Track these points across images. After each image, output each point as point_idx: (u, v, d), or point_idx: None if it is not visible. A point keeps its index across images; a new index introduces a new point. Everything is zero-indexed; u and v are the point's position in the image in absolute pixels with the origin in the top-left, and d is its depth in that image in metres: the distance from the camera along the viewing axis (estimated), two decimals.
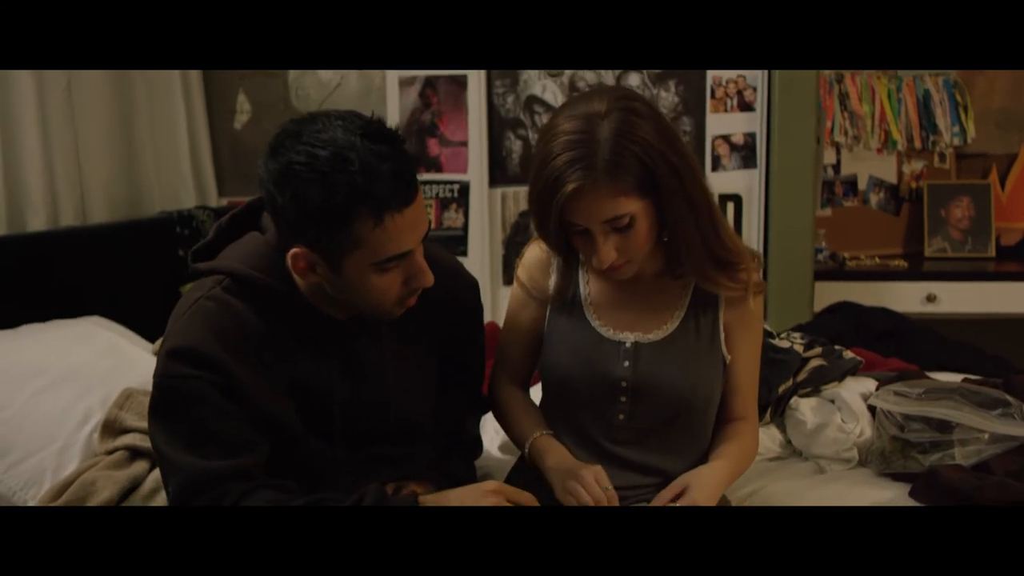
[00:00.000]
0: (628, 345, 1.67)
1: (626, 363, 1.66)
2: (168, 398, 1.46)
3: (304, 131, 1.38)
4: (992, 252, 3.60)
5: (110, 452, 2.02)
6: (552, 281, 1.73)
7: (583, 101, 1.54)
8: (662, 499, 1.63)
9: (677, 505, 1.60)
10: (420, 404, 1.67)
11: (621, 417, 1.68)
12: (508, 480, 1.82)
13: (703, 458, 1.72)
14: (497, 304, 3.29)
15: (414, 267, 1.47)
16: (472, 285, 1.76)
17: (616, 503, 1.58)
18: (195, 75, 3.33)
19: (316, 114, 1.41)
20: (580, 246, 1.60)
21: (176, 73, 3.20)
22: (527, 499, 1.51)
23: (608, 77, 3.23)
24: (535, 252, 1.76)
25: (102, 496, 1.90)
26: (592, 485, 1.57)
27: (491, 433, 2.19)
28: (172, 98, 3.21)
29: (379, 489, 1.49)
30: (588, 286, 1.72)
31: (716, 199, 1.64)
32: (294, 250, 1.42)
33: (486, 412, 1.90)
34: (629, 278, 1.64)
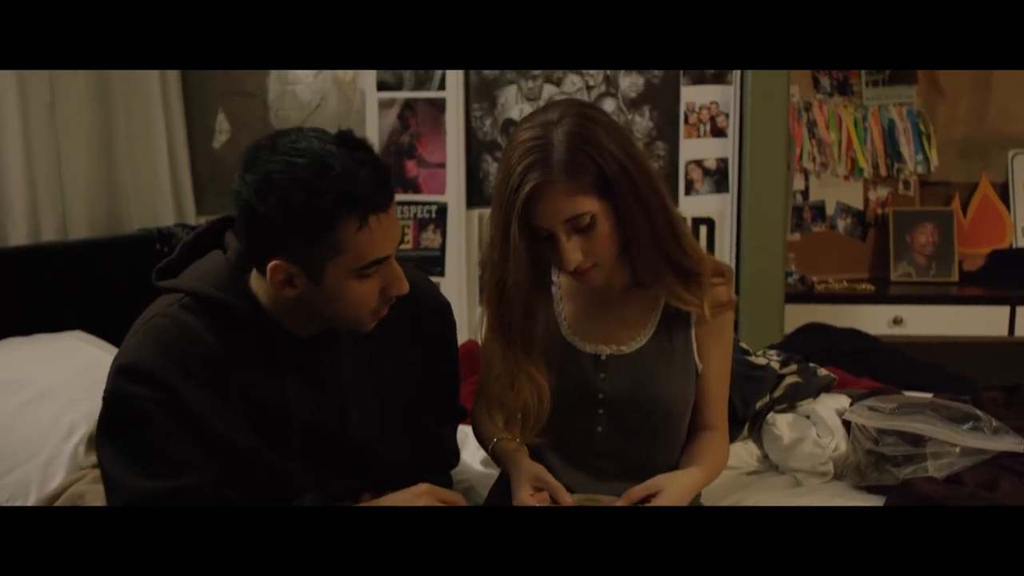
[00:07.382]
0: (603, 357, 1.69)
1: (601, 375, 1.69)
2: (115, 415, 1.45)
3: (279, 143, 1.38)
4: (955, 277, 3.66)
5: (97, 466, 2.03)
6: None
7: (539, 114, 1.58)
8: (633, 495, 1.61)
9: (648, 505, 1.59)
10: (381, 426, 1.62)
11: (600, 429, 1.71)
12: (492, 493, 1.85)
13: (678, 465, 1.75)
14: (475, 322, 3.32)
15: (391, 274, 1.46)
16: (443, 304, 1.74)
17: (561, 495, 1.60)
18: (175, 94, 3.34)
19: (287, 130, 1.42)
20: (548, 254, 1.61)
21: (157, 91, 3.21)
22: (458, 499, 1.53)
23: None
24: None
25: None
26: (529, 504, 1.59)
27: (472, 448, 2.21)
28: (152, 116, 3.22)
29: (317, 496, 1.48)
30: (561, 303, 1.74)
31: (688, 220, 1.66)
32: (273, 263, 1.40)
33: (462, 420, 1.88)
34: (601, 292, 1.68)
